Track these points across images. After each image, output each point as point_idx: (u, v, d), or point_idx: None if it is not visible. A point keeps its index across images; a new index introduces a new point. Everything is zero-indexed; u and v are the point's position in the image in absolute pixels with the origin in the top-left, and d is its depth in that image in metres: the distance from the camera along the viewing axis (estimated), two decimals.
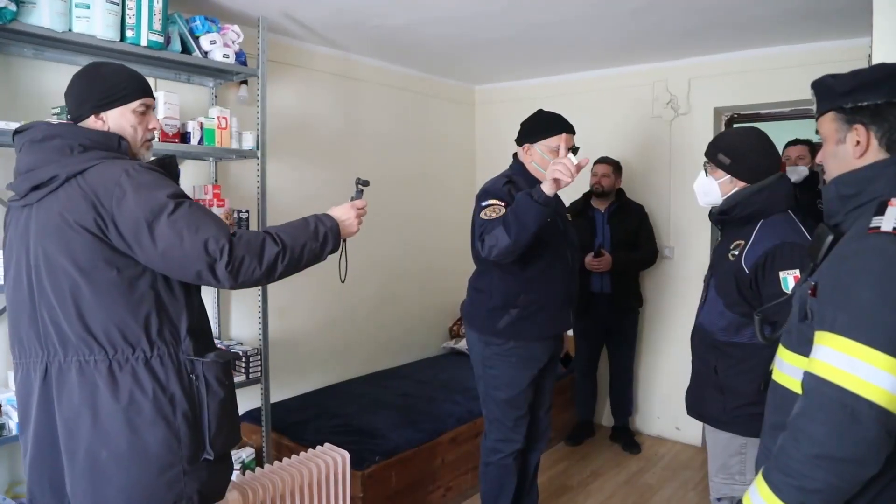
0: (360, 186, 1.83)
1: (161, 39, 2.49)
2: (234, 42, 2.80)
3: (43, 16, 2.17)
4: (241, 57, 2.83)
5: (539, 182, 2.44)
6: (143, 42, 2.43)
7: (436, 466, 3.06)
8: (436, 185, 4.56)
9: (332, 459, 2.45)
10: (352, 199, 1.79)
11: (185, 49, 2.64)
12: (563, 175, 2.12)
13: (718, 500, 2.04)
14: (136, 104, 1.57)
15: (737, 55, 3.73)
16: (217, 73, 2.89)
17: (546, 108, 2.54)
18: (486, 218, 2.32)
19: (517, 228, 2.16)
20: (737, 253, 1.93)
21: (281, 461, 2.44)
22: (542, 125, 2.47)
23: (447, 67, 4.28)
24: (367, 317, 4.06)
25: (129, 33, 2.40)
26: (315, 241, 1.60)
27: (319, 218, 1.66)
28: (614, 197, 3.89)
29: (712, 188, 2.04)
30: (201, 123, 2.69)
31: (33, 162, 1.46)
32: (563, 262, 2.50)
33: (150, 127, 1.62)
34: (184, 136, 2.66)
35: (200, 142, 2.68)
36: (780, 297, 1.76)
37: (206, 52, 2.70)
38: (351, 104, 3.92)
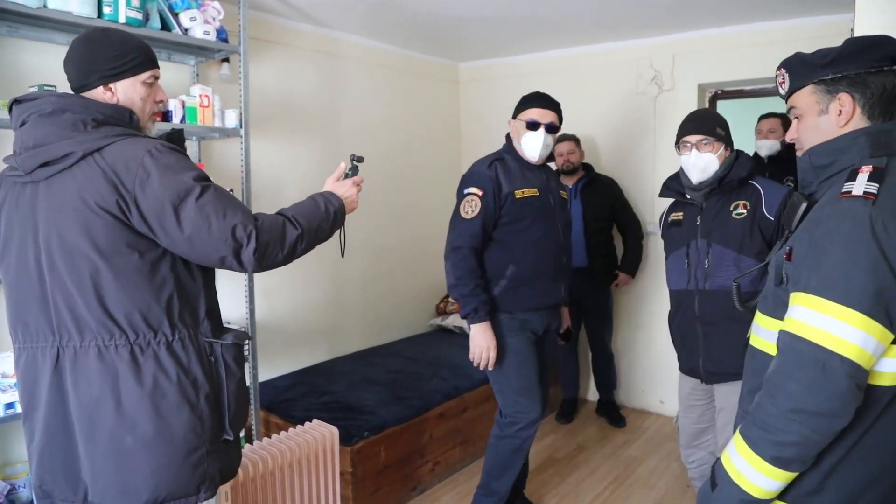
0: (354, 162, 1.84)
1: (139, 16, 2.45)
2: (214, 19, 2.76)
3: None
4: (221, 34, 2.79)
5: (523, 158, 2.49)
6: (121, 19, 2.39)
7: (424, 442, 3.10)
8: (421, 163, 4.55)
9: (320, 435, 2.47)
10: (347, 175, 1.80)
11: (165, 26, 2.60)
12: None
13: None
14: (146, 75, 1.51)
15: (721, 31, 3.74)
16: (198, 50, 2.85)
17: (530, 86, 2.57)
18: (463, 216, 2.44)
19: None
20: (744, 211, 2.16)
21: (270, 437, 2.46)
22: (523, 100, 2.53)
23: (432, 45, 4.25)
24: (354, 295, 4.07)
25: (106, 10, 2.35)
26: (326, 222, 1.61)
27: (327, 197, 1.66)
28: (582, 171, 3.88)
29: (711, 162, 2.21)
30: (183, 102, 2.66)
31: (43, 136, 1.38)
32: (553, 236, 2.54)
33: (158, 99, 1.57)
34: (165, 115, 2.63)
35: (182, 121, 2.65)
36: None
37: (186, 30, 2.66)
38: (335, 82, 3.88)
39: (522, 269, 2.47)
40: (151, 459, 1.41)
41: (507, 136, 2.60)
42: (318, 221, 1.58)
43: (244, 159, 2.86)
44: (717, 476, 1.26)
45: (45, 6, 2.22)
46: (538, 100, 2.50)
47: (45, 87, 2.18)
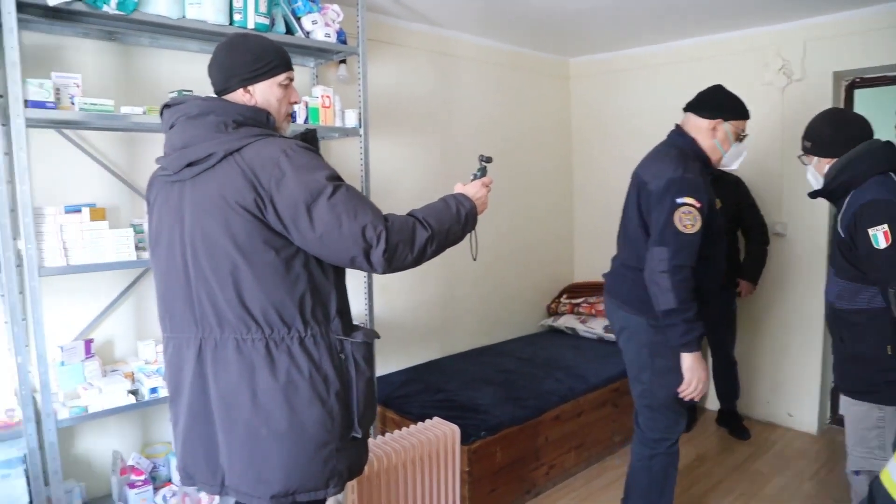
0: (483, 163, 1.81)
1: (266, 21, 2.54)
2: (334, 21, 2.83)
3: (159, 4, 2.26)
4: (341, 36, 2.85)
5: (709, 160, 2.33)
6: (250, 25, 2.49)
7: (539, 444, 3.03)
8: (532, 161, 4.49)
9: (441, 433, 2.47)
10: (475, 175, 1.78)
11: (289, 30, 2.69)
12: None
13: (856, 473, 2.02)
14: (282, 77, 1.56)
15: (861, 12, 3.42)
16: (318, 52, 2.93)
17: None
18: (682, 230, 2.13)
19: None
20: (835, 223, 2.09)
21: (392, 433, 2.48)
22: (738, 105, 2.33)
23: (542, 40, 4.18)
24: (466, 294, 4.07)
25: (236, 17, 2.46)
26: (458, 224, 1.60)
27: (458, 199, 1.65)
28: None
29: (813, 175, 2.19)
30: (306, 103, 2.74)
31: (189, 138, 1.45)
32: (724, 247, 2.45)
33: (292, 101, 1.62)
34: (290, 117, 2.71)
35: (306, 121, 2.73)
36: (873, 254, 1.87)
37: (308, 33, 2.74)
38: (447, 81, 3.90)
39: (711, 283, 2.29)
40: (283, 452, 1.44)
41: (686, 134, 2.33)
42: (450, 223, 1.57)
43: (364, 158, 2.91)
44: (874, 495, 1.14)
45: (183, 17, 2.34)
46: (746, 109, 2.34)
47: (184, 92, 2.30)
